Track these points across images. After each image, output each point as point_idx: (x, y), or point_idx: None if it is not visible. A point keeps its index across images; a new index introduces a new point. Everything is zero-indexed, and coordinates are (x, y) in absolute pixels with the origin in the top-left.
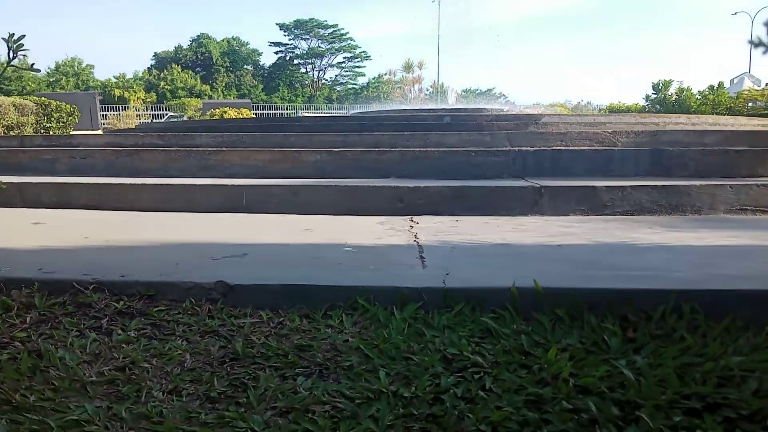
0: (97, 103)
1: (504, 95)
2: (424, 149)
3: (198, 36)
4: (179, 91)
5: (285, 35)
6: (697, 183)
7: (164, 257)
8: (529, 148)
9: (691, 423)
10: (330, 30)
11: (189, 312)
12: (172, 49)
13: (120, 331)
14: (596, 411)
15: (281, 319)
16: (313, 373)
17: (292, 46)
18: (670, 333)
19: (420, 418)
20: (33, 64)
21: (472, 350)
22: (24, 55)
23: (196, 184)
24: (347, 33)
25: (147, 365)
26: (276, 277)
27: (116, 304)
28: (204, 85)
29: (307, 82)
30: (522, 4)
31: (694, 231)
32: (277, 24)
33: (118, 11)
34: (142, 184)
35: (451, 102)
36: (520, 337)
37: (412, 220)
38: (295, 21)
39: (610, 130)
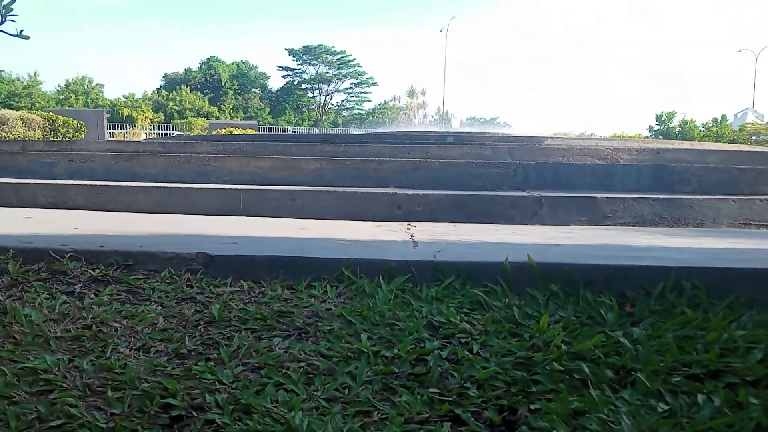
0: (105, 120)
1: (508, 124)
2: (425, 160)
3: (208, 59)
4: (187, 112)
5: (293, 60)
6: (700, 197)
7: (151, 240)
8: (530, 161)
9: (691, 387)
10: (338, 56)
11: (167, 281)
12: (182, 70)
13: (93, 296)
14: (589, 373)
15: (263, 288)
16: (291, 335)
17: (300, 70)
18: (669, 309)
19: (401, 376)
20: (22, 31)
21: (461, 319)
22: (13, 20)
23: (193, 187)
24: (354, 59)
25: (116, 324)
26: (260, 251)
27: (92, 272)
28: (212, 107)
29: (313, 107)
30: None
31: (696, 238)
32: (285, 49)
33: (130, 32)
34: (139, 186)
35: (456, 126)
36: (511, 309)
37: (410, 225)
38: (303, 47)
39: (612, 147)
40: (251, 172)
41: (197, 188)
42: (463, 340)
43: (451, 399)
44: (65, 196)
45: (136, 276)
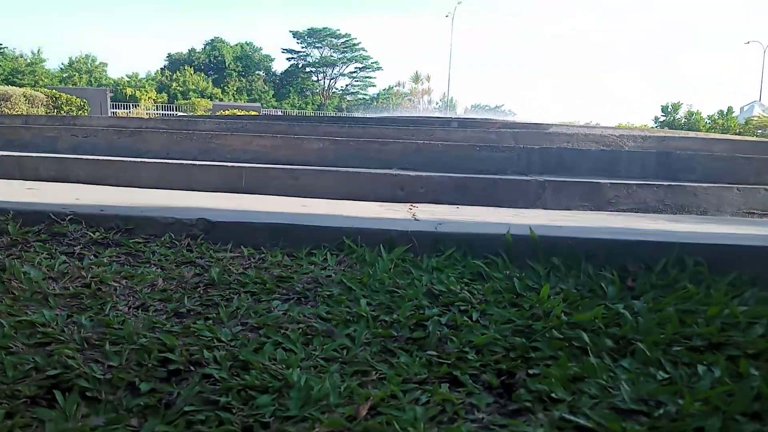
0: (108, 99)
1: (513, 112)
2: (428, 142)
3: (212, 39)
4: (191, 92)
5: (298, 43)
6: (704, 185)
7: (153, 208)
8: (534, 147)
9: (692, 358)
10: (343, 39)
11: (167, 245)
12: (185, 51)
13: (92, 257)
14: (589, 342)
15: (263, 255)
16: (291, 299)
17: (304, 53)
18: (671, 284)
19: (399, 340)
20: None
21: (461, 288)
22: None
23: (195, 164)
24: (359, 43)
25: (115, 284)
26: (261, 218)
27: (92, 235)
28: (215, 89)
29: (317, 90)
30: (534, 23)
31: (700, 224)
32: (290, 31)
33: (134, 12)
34: (141, 161)
35: (460, 113)
36: (512, 280)
37: (412, 206)
38: (308, 29)
39: (617, 134)
40: (254, 151)
41: (199, 165)
42: (462, 308)
43: (449, 362)
44: (67, 170)
45: (136, 239)
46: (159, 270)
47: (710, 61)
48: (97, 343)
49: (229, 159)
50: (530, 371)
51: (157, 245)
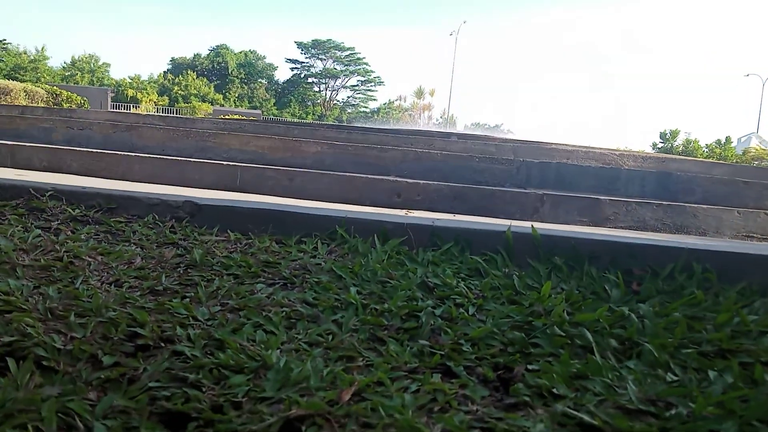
0: (109, 99)
1: (511, 132)
2: (427, 151)
3: (217, 46)
4: (192, 97)
5: (302, 53)
6: (704, 206)
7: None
8: (533, 160)
9: (701, 363)
10: (346, 52)
11: (150, 225)
12: (190, 55)
13: (69, 233)
14: (592, 340)
15: (250, 240)
16: (276, 284)
17: (308, 64)
18: (678, 290)
19: (390, 329)
20: None
21: (457, 283)
22: None
23: (190, 161)
24: (363, 57)
25: (89, 259)
26: (250, 204)
27: (72, 211)
28: (217, 94)
29: (318, 101)
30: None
31: (700, 241)
32: (295, 42)
33: (141, 14)
34: (135, 155)
35: (459, 130)
36: (511, 278)
37: (408, 211)
38: (313, 40)
39: (617, 153)
40: (251, 151)
41: (194, 162)
42: (458, 302)
43: (443, 352)
44: (60, 160)
45: (118, 219)
46: (139, 249)
47: (710, 91)
48: (62, 314)
49: (225, 158)
50: (529, 366)
51: (140, 225)
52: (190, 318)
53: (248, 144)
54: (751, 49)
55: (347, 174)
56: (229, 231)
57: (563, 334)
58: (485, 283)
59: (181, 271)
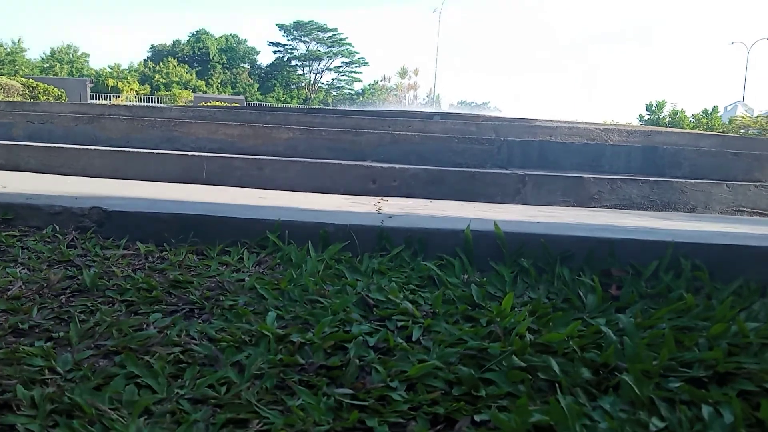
0: (88, 89)
1: (498, 109)
2: (404, 133)
3: (196, 31)
4: (174, 85)
5: (284, 36)
6: (692, 181)
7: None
8: (515, 139)
9: (693, 394)
10: (329, 34)
11: (47, 239)
12: (170, 42)
13: None
14: (560, 372)
15: (164, 253)
16: (179, 311)
17: (290, 47)
18: (664, 293)
19: (308, 369)
20: None
21: (404, 297)
22: None
23: (152, 153)
24: (346, 38)
25: None
26: (168, 208)
27: None
28: (199, 81)
29: (303, 84)
30: (520, 22)
31: (689, 222)
32: (276, 24)
33: (119, 2)
34: (95, 149)
35: (445, 108)
36: (469, 287)
37: (382, 199)
38: (294, 22)
39: (602, 128)
40: (220, 140)
41: (157, 154)
42: (401, 324)
43: (366, 404)
44: (17, 158)
45: (11, 233)
46: (25, 271)
47: (695, 60)
48: None
49: (193, 148)
50: (477, 417)
51: (35, 240)
52: (46, 370)
53: (217, 132)
54: (735, 18)
55: (319, 161)
56: (139, 242)
57: (523, 365)
58: (437, 296)
59: (64, 300)
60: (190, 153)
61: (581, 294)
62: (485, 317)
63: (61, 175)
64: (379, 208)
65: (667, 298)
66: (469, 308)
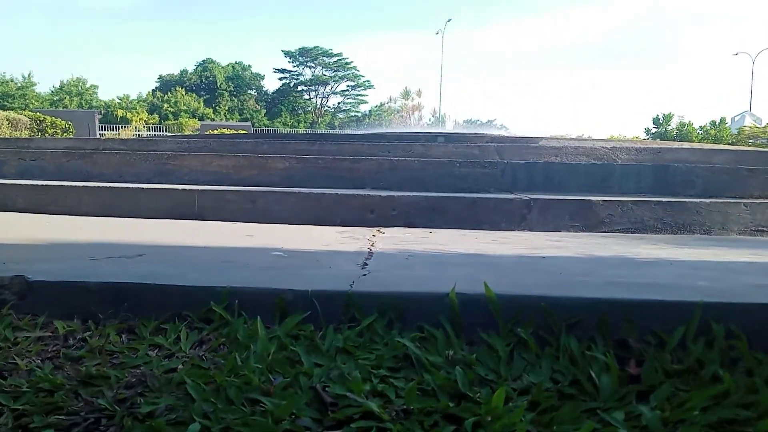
0: (96, 121)
1: (505, 126)
2: (404, 159)
3: (203, 60)
4: (182, 113)
5: (290, 62)
6: (707, 200)
7: (20, 253)
8: (519, 161)
9: None
10: (334, 58)
11: None
12: (177, 72)
13: None
14: None
15: (88, 333)
16: (79, 424)
17: (296, 72)
18: (695, 369)
19: None
20: None
21: (371, 389)
22: None
23: (142, 188)
24: (351, 62)
25: None
26: (103, 273)
27: None
28: (207, 109)
29: (309, 109)
30: (524, 38)
31: (707, 248)
32: (282, 51)
33: (126, 34)
34: (83, 186)
35: (450, 128)
36: (454, 369)
37: (378, 231)
38: (300, 48)
39: (609, 146)
40: (213, 172)
41: (147, 189)
42: None
43: None
44: (5, 197)
45: None
46: None
47: (700, 71)
48: None
49: (186, 181)
50: None
51: None
52: None
53: (211, 164)
54: (738, 28)
55: (315, 191)
56: (57, 321)
57: None
58: (410, 388)
59: None
60: (180, 187)
61: (593, 374)
62: (470, 414)
63: (50, 214)
64: (373, 244)
65: (699, 377)
66: (451, 402)
